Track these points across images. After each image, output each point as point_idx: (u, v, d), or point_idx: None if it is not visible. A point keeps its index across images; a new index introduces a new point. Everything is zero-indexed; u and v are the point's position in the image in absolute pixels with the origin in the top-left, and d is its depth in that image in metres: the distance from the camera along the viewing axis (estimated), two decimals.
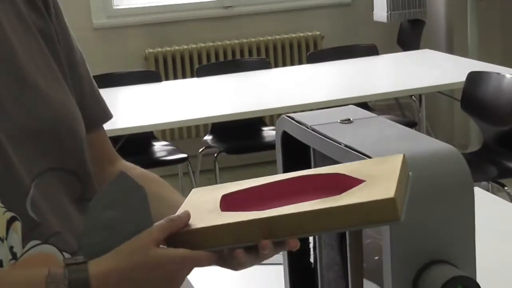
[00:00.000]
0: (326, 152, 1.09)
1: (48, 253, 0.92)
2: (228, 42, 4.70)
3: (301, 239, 1.38)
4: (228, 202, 0.92)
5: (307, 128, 1.15)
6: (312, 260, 1.29)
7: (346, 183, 0.88)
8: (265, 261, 1.68)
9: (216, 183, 3.69)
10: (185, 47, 4.63)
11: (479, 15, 4.51)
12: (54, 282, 0.81)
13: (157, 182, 1.16)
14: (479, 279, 0.93)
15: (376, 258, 1.05)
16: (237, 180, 0.99)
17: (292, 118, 1.21)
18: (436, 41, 4.75)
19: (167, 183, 1.19)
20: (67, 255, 0.93)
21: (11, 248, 0.88)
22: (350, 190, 0.85)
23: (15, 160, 0.92)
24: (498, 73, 3.23)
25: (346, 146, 1.03)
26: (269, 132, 3.92)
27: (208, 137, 3.85)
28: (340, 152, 1.05)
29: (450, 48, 4.63)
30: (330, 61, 4.07)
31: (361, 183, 0.86)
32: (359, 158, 0.99)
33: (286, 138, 1.24)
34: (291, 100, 3.34)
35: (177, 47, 4.63)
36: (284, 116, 1.23)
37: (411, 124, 4.06)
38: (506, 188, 2.94)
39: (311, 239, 1.28)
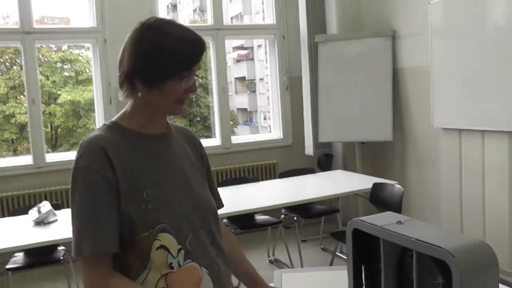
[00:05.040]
0: (398, 242, 1.02)
1: (194, 266, 1.09)
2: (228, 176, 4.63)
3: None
4: None
5: (377, 227, 1.09)
6: None
7: None
8: None
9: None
10: None
11: (362, 153, 4.59)
12: None
13: (235, 243, 1.31)
14: None
15: None
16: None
17: (362, 221, 1.14)
18: (337, 165, 4.79)
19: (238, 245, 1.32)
20: (204, 269, 1.10)
21: (178, 262, 1.07)
22: None
23: (183, 221, 1.10)
24: (392, 184, 3.23)
25: (416, 239, 0.98)
26: (259, 217, 3.74)
27: (225, 220, 3.64)
28: (409, 241, 0.99)
29: (345, 168, 4.67)
30: (285, 178, 4.03)
31: None
32: (424, 246, 0.94)
33: (356, 233, 1.15)
34: (269, 201, 3.25)
35: None
36: (354, 219, 1.16)
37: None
38: None
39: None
